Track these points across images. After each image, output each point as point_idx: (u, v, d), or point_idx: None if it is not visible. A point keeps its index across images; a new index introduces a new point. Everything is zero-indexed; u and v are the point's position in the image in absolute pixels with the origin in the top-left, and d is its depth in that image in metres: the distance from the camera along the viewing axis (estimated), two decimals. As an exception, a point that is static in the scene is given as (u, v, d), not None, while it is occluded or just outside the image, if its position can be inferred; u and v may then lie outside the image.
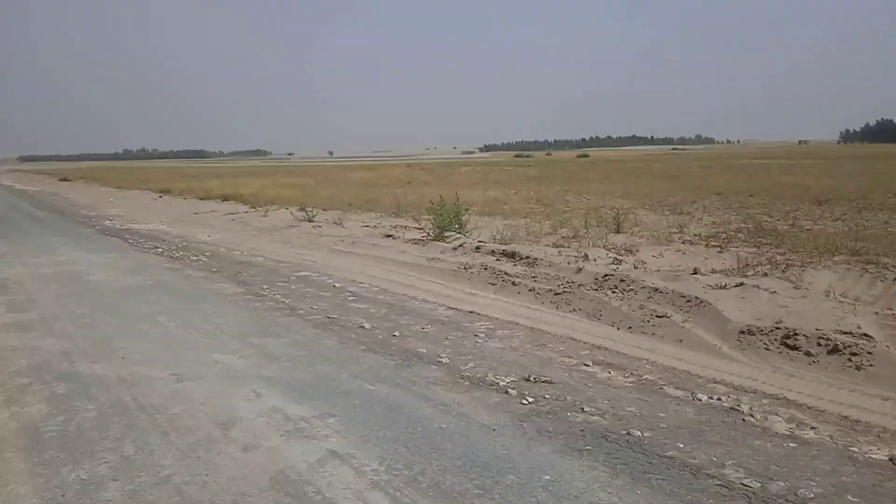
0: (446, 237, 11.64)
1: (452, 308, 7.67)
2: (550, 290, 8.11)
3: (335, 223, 14.68)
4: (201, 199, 25.79)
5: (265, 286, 9.04)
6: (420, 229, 12.98)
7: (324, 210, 16.99)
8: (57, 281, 9.69)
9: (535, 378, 5.17)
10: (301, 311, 7.58)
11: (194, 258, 11.57)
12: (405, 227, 13.33)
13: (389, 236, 12.35)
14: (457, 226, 11.98)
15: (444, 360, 5.68)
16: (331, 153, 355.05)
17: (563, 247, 10.65)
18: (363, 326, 6.85)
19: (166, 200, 26.46)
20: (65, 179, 53.68)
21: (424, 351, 5.98)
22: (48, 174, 70.40)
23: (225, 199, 24.48)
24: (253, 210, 19.73)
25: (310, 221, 15.34)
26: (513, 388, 4.96)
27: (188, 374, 5.39)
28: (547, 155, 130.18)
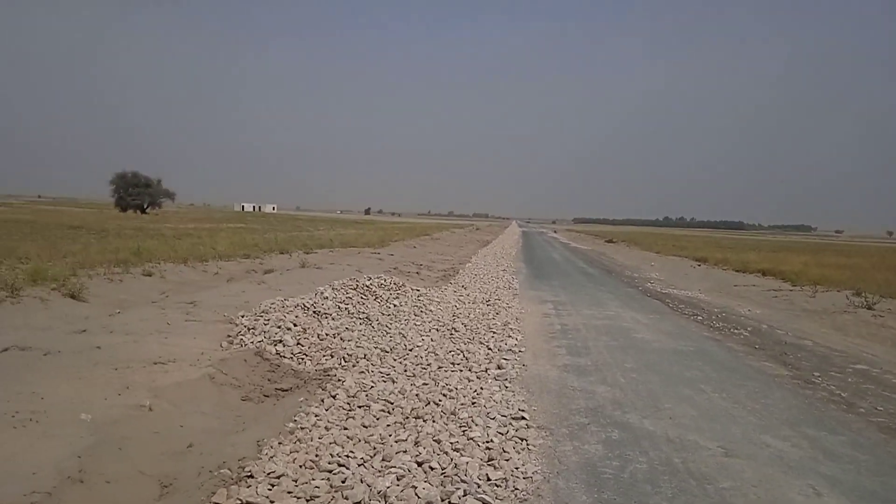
0: None
1: None
2: None
3: (901, 314, 12.65)
4: (737, 270, 25.34)
5: (816, 373, 8.25)
6: None
7: (882, 297, 14.83)
8: (607, 333, 10.60)
9: None
10: (862, 410, 6.65)
11: (735, 331, 11.32)
12: None
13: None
14: None
15: None
16: (891, 233, 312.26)
17: None
18: (950, 444, 5.63)
19: (703, 269, 26.77)
20: (610, 241, 59.19)
21: None
22: (596, 235, 78.92)
23: (763, 273, 23.53)
24: (796, 288, 18.44)
25: (868, 308, 13.54)
26: None
27: (737, 451, 5.22)
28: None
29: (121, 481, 3.93)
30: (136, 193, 66.87)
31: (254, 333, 8.02)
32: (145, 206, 68.16)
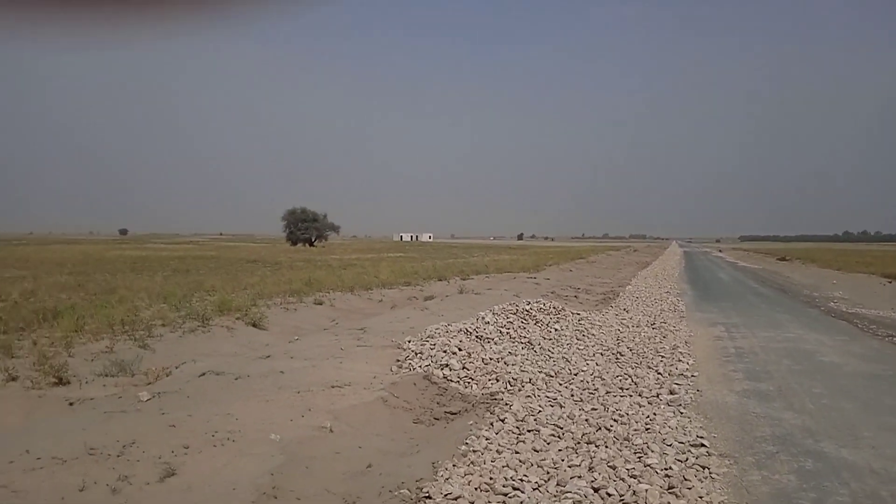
0: None
1: None
2: None
3: None
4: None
5: None
6: None
7: None
8: (788, 356, 9.83)
9: None
10: None
11: (943, 353, 10.11)
12: None
13: None
14: None
15: None
16: None
17: None
18: None
19: (895, 286, 24.26)
20: (783, 259, 55.21)
21: None
22: (766, 253, 73.99)
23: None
24: None
25: None
26: None
27: (960, 487, 4.61)
28: None
29: (310, 499, 4.14)
30: (304, 228, 71.54)
31: (421, 358, 8.24)
32: (313, 240, 72.61)
